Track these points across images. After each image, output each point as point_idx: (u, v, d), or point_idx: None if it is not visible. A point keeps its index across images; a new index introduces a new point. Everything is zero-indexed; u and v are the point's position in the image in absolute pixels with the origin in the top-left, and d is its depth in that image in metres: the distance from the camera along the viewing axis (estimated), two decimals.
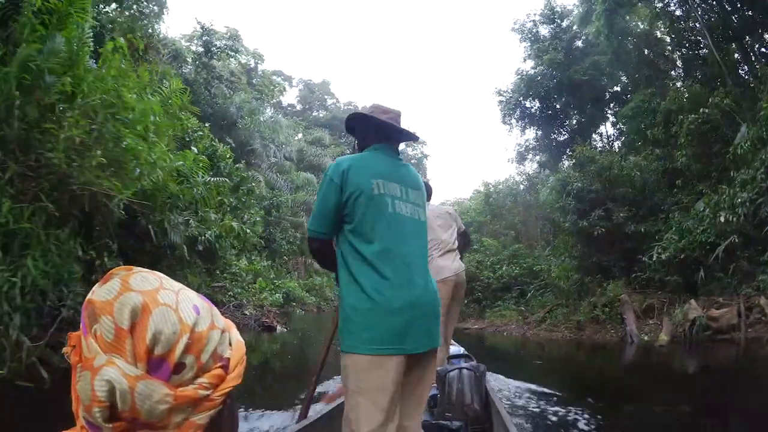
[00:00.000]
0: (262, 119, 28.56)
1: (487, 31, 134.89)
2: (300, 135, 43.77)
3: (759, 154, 12.29)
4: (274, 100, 43.09)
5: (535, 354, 13.41)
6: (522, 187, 26.88)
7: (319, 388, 4.70)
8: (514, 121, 26.16)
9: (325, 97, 58.39)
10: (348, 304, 2.09)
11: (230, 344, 0.78)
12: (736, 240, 11.89)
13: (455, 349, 5.18)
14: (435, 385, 3.57)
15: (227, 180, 15.98)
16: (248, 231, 17.03)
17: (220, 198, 17.02)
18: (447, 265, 4.45)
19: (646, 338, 12.75)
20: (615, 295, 14.39)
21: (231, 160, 18.81)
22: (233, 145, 21.97)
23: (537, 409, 5.96)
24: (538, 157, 26.52)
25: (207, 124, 18.06)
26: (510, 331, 17.24)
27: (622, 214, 15.55)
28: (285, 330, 16.62)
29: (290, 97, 54.01)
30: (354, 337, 2.05)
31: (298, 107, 56.63)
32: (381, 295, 2.02)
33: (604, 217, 15.73)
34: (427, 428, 2.92)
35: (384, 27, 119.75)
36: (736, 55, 18.68)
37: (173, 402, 0.67)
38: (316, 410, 3.46)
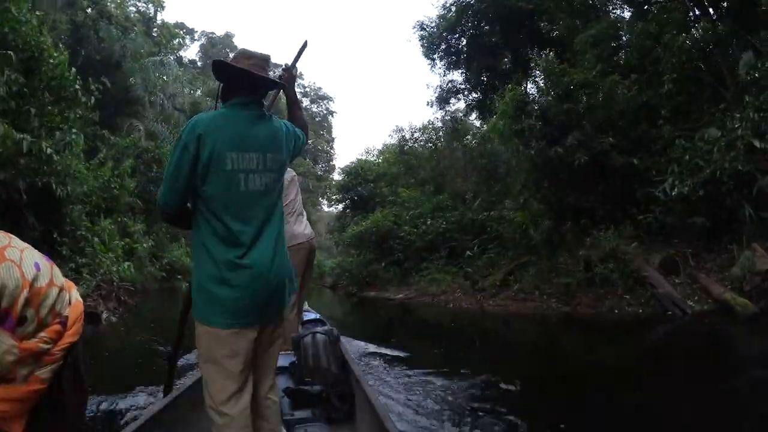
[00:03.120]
0: (149, 63, 21.83)
1: None
2: (199, 92, 35.99)
3: None
4: (173, 56, 34.95)
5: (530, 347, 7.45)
6: (442, 132, 20.92)
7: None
8: (437, 57, 20.19)
9: (227, 51, 49.49)
10: (200, 275, 1.86)
11: (70, 303, 0.75)
12: None
13: (310, 315, 4.58)
14: (293, 351, 3.38)
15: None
16: (50, 151, 9.51)
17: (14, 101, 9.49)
18: (300, 232, 4.12)
19: (692, 305, 7.26)
20: (612, 248, 8.83)
21: (61, 60, 10.75)
22: (108, 85, 14.86)
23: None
24: (463, 99, 20.68)
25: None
26: (455, 301, 11.24)
27: (611, 139, 10.08)
28: (114, 319, 9.20)
29: (191, 52, 45.58)
30: (206, 310, 1.84)
31: (200, 63, 47.85)
32: (231, 271, 1.80)
33: (582, 143, 10.19)
34: (290, 394, 2.93)
35: None
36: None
37: (18, 354, 0.63)
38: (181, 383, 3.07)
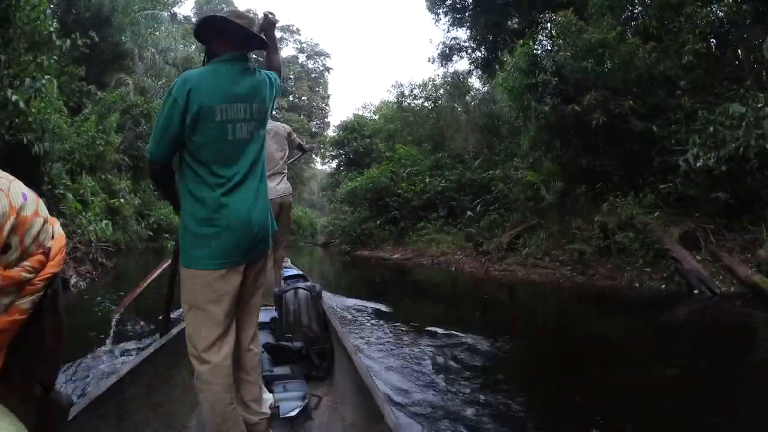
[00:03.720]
0: (140, 16, 20.50)
1: None
2: (193, 47, 34.41)
3: None
4: (167, 12, 33.01)
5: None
6: (443, 90, 19.75)
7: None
8: (442, 12, 19.06)
9: (222, 5, 46.74)
10: (186, 219, 1.88)
11: (53, 236, 0.68)
12: None
13: (292, 271, 4.56)
14: (274, 307, 3.32)
15: None
16: (15, 98, 8.33)
17: None
18: (272, 187, 3.72)
19: (717, 284, 6.66)
20: (629, 216, 8.15)
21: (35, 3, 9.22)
22: (96, 40, 14.18)
23: None
24: (466, 57, 19.50)
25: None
26: (457, 264, 10.46)
27: (630, 103, 9.32)
28: (83, 284, 7.63)
29: (186, 8, 42.92)
30: (192, 252, 1.87)
31: (194, 19, 45.37)
32: (216, 212, 1.83)
33: (601, 104, 9.40)
34: (270, 350, 2.86)
35: None
36: None
37: (1, 282, 0.59)
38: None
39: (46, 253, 0.65)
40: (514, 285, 8.39)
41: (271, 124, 3.98)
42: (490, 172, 11.93)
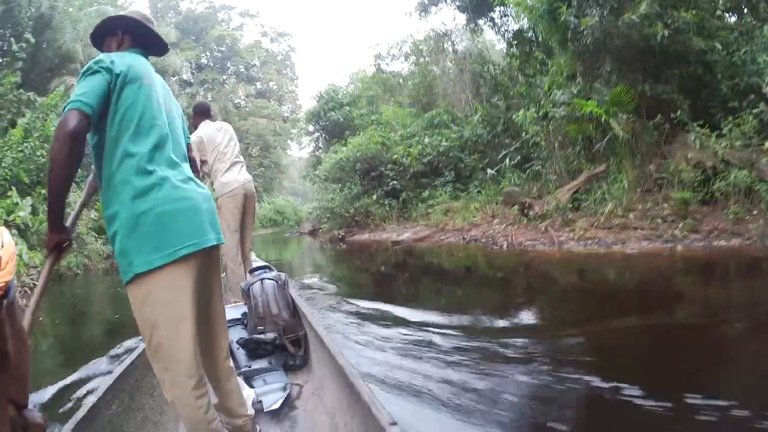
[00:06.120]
0: (83, 15, 18.09)
1: None
2: None
3: None
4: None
5: None
6: (424, 46, 17.38)
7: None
8: None
9: (178, 1, 42.39)
10: (124, 214, 1.46)
11: (2, 245, 0.72)
12: None
13: (255, 263, 4.20)
14: (243, 303, 3.16)
15: None
16: None
17: None
18: (234, 178, 3.92)
19: None
20: (724, 151, 6.26)
21: None
22: (33, 41, 14.00)
23: None
24: (447, 4, 17.06)
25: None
26: (508, 237, 8.05)
27: (691, 14, 7.51)
28: None
29: (141, 6, 38.58)
30: (145, 251, 1.43)
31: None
32: (162, 193, 1.49)
33: (660, 15, 7.57)
34: (244, 345, 2.80)
35: None
36: None
37: None
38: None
39: None
40: (611, 262, 5.84)
41: (213, 124, 4.02)
42: (521, 112, 9.58)
